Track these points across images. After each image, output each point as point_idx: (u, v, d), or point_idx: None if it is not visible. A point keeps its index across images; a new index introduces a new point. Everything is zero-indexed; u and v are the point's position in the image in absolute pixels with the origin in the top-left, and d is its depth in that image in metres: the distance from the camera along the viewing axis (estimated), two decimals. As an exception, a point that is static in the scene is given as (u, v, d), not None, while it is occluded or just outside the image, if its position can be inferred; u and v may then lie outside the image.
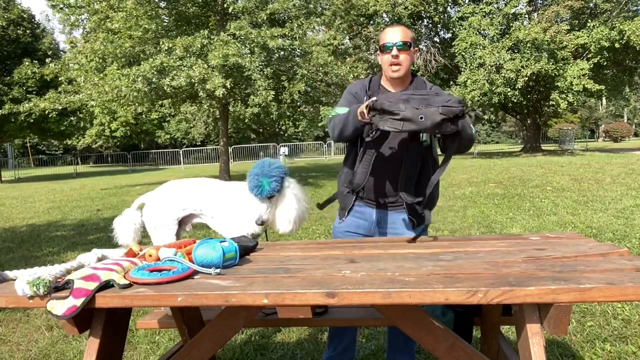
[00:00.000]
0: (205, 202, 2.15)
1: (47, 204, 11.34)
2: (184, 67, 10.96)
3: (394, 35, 2.12)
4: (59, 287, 1.39)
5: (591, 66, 18.96)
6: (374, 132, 1.95)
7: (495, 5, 20.55)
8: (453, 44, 20.71)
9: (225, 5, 12.30)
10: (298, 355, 2.77)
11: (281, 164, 2.08)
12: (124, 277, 1.44)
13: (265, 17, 12.00)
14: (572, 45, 19.16)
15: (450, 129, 1.79)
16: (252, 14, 12.02)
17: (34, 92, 20.04)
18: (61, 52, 24.56)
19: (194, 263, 1.53)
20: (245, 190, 2.12)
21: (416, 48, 2.22)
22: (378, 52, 2.21)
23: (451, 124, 1.77)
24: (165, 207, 2.12)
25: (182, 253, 1.57)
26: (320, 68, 12.62)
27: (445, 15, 22.39)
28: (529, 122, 23.82)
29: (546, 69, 18.22)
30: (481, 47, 19.13)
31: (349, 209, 2.24)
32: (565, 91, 18.96)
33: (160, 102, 14.86)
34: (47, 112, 14.63)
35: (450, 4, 22.00)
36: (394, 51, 2.10)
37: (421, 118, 1.73)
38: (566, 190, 8.81)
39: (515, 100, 19.98)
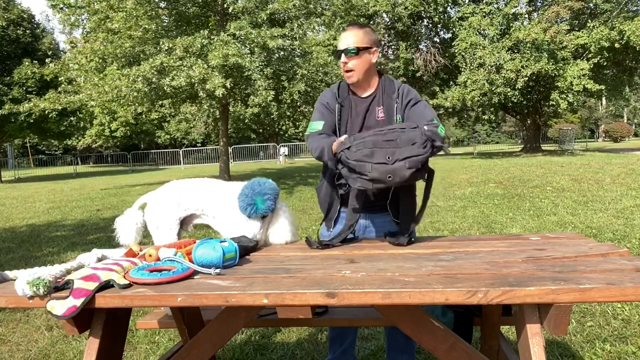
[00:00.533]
0: (207, 202, 2.15)
1: (47, 204, 11.34)
2: (184, 67, 10.95)
3: (344, 40, 2.07)
4: (59, 287, 1.39)
5: (591, 66, 18.96)
6: (346, 186, 1.95)
7: (495, 6, 20.54)
8: (453, 44, 20.70)
9: (225, 6, 12.30)
10: (298, 355, 2.77)
11: (273, 183, 2.05)
12: (124, 277, 1.44)
13: (265, 17, 12.00)
14: (572, 46, 19.16)
15: (420, 177, 1.80)
16: (252, 14, 12.02)
17: (34, 92, 20.03)
18: (61, 52, 24.56)
19: (194, 263, 1.53)
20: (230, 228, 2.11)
21: (375, 48, 2.11)
22: None
23: (421, 171, 1.78)
24: (167, 207, 2.12)
25: (182, 253, 1.57)
26: (320, 68, 12.63)
27: (445, 15, 22.38)
28: (529, 122, 23.82)
29: (546, 69, 18.21)
30: (481, 47, 19.12)
31: (335, 218, 2.22)
32: (565, 91, 18.95)
33: (160, 102, 14.86)
34: (47, 112, 14.64)
35: (450, 4, 21.99)
36: (343, 58, 2.06)
37: (389, 177, 1.73)
38: (566, 191, 8.81)
39: (515, 101, 19.97)
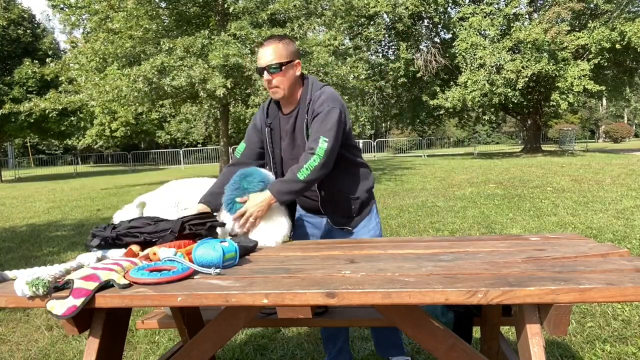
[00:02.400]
0: None
1: (47, 203, 11.34)
2: (185, 67, 10.96)
3: (264, 57, 1.97)
4: (58, 287, 1.39)
5: (591, 67, 18.94)
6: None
7: (496, 6, 20.52)
8: (453, 44, 20.70)
9: (225, 6, 12.31)
10: (298, 355, 2.77)
11: (263, 178, 1.99)
12: (124, 277, 1.44)
13: (265, 18, 12.01)
14: (573, 46, 19.15)
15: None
16: (253, 14, 12.03)
17: (34, 92, 20.07)
18: (62, 52, 24.58)
19: (194, 263, 1.53)
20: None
21: (298, 61, 2.04)
22: None
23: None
24: (165, 207, 2.12)
25: (182, 253, 1.57)
26: (321, 68, 12.61)
27: (446, 15, 22.38)
28: (529, 122, 23.81)
29: (547, 69, 18.21)
30: (482, 48, 19.11)
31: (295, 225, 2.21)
32: (566, 92, 18.95)
33: (160, 103, 14.87)
34: (47, 112, 14.65)
35: (450, 4, 21.99)
36: (266, 75, 1.99)
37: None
38: (566, 191, 8.81)
39: (515, 101, 19.97)
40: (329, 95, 2.00)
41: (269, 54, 1.97)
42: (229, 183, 2.00)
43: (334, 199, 2.11)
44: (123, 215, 2.15)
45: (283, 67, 1.97)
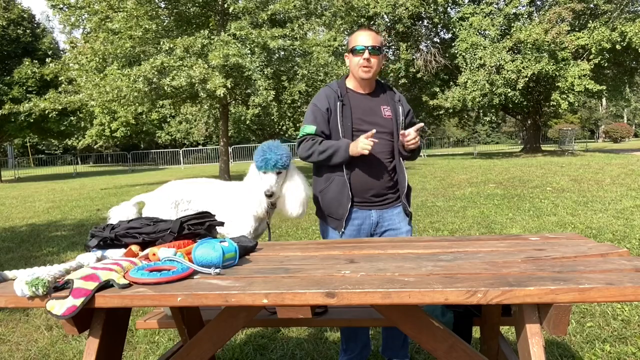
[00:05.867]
0: (204, 202, 2.15)
1: (47, 203, 11.34)
2: (185, 67, 10.96)
3: (367, 39, 2.17)
4: (58, 287, 1.39)
5: (591, 67, 18.93)
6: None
7: (496, 6, 20.50)
8: (453, 44, 20.69)
9: (225, 6, 12.30)
10: (298, 355, 2.77)
11: (286, 147, 2.15)
12: (124, 277, 1.44)
13: (265, 18, 12.01)
14: (573, 47, 19.13)
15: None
16: (253, 15, 12.03)
17: (34, 92, 20.05)
18: (61, 52, 24.55)
19: (193, 263, 1.53)
20: (245, 190, 2.11)
21: (385, 54, 2.29)
22: (348, 54, 2.25)
23: None
24: (164, 207, 2.13)
25: (181, 253, 1.57)
26: (321, 68, 12.62)
27: (446, 15, 22.36)
28: (529, 122, 23.80)
29: (547, 69, 18.20)
30: (482, 48, 19.09)
31: (346, 219, 2.25)
32: (566, 92, 18.93)
33: (160, 103, 14.86)
34: (47, 112, 14.63)
35: (450, 4, 21.97)
36: (366, 54, 2.16)
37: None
38: (566, 191, 8.81)
39: (515, 101, 19.95)
40: None
41: (373, 38, 2.18)
42: (258, 149, 2.12)
43: (407, 190, 2.32)
44: (119, 211, 2.15)
45: (381, 53, 2.20)
